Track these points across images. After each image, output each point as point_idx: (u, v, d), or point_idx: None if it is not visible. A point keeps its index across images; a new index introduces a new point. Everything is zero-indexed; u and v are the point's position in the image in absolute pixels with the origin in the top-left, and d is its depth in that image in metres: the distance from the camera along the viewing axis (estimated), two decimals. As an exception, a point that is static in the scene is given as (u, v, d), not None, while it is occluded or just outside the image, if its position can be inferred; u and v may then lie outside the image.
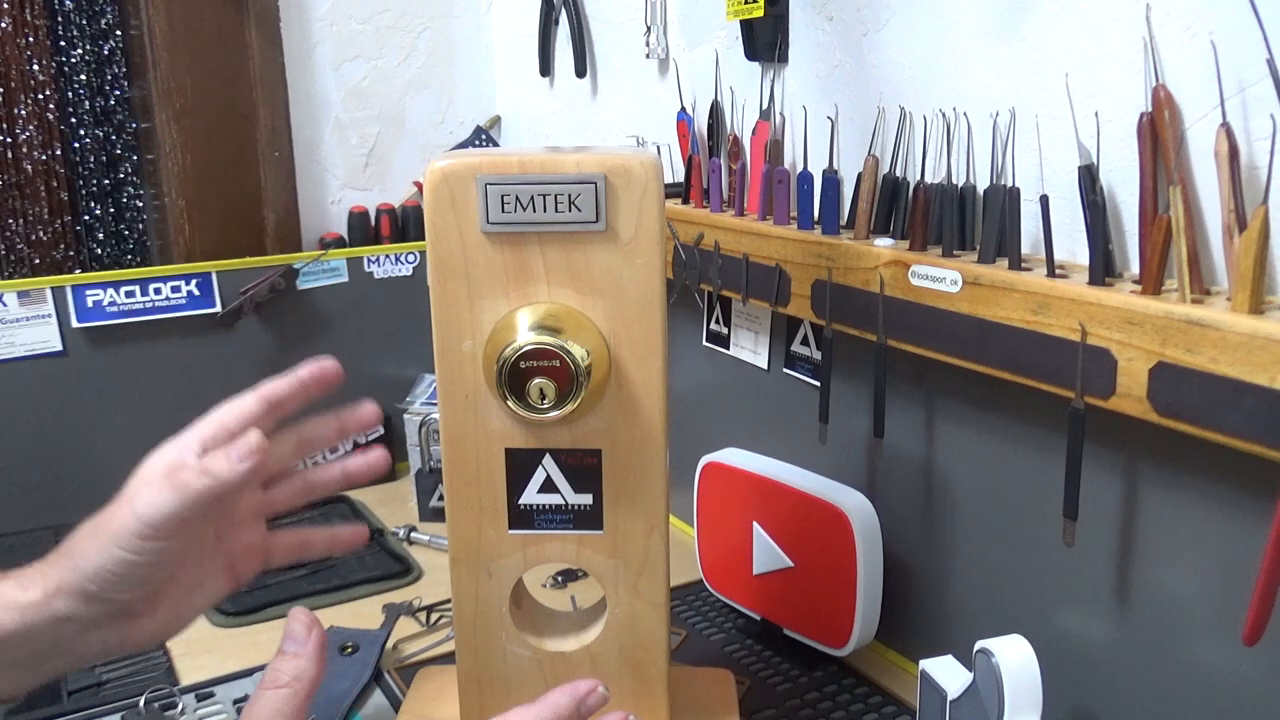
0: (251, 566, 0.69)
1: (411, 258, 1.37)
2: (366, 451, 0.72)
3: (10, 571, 0.60)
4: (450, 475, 0.72)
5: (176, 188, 1.31)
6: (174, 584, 0.63)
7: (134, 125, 1.35)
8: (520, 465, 0.72)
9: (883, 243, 0.82)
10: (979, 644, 0.69)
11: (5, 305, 1.15)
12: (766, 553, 0.94)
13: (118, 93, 1.34)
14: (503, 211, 0.67)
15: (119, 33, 1.32)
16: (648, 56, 1.14)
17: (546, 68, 1.35)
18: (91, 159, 1.34)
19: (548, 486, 0.72)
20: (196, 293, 1.25)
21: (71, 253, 1.34)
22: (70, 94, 1.31)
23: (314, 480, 0.72)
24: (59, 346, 1.18)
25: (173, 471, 0.59)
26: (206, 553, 0.66)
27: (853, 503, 0.87)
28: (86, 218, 1.35)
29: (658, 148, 1.13)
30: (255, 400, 0.66)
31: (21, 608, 0.57)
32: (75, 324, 1.19)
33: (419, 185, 1.42)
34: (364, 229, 1.41)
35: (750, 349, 1.07)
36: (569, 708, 0.55)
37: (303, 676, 0.53)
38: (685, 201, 1.05)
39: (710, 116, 1.05)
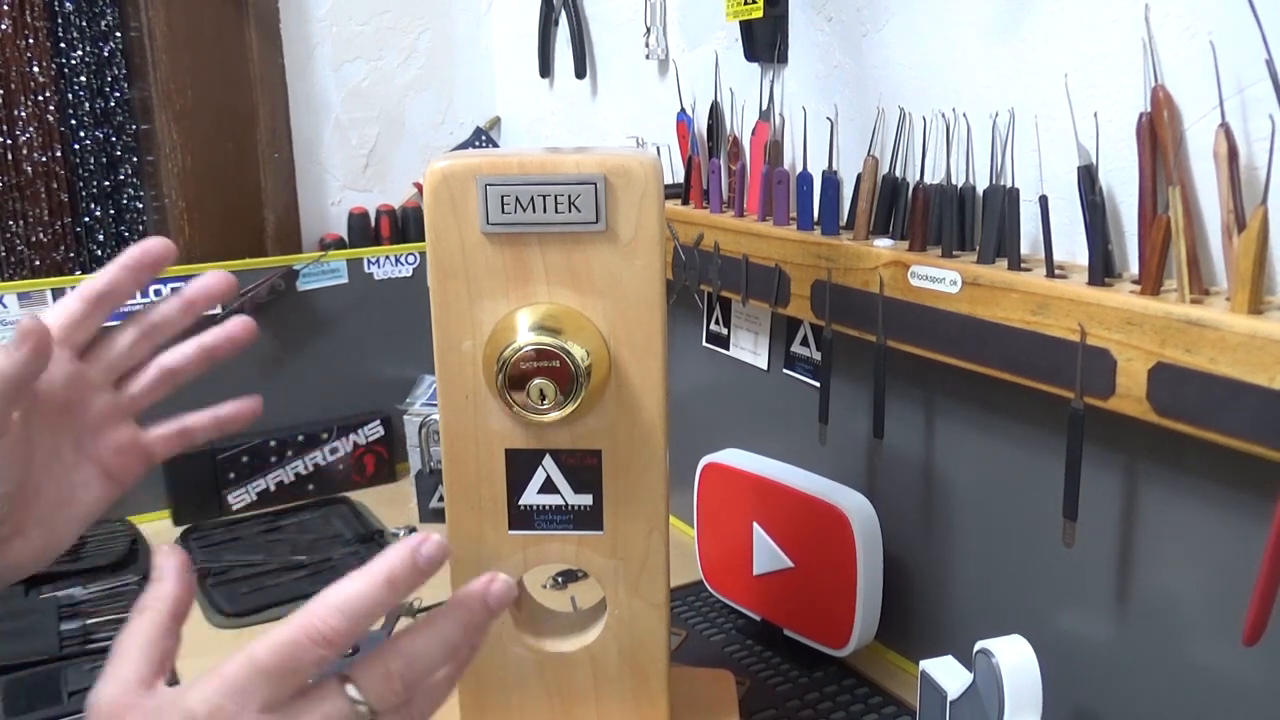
0: (131, 468, 0.67)
1: (411, 258, 1.38)
2: (225, 322, 0.67)
3: None
4: (450, 476, 0.72)
5: (177, 189, 1.31)
6: (37, 501, 0.62)
7: (134, 127, 1.35)
8: (520, 465, 0.72)
9: (882, 243, 0.82)
10: (979, 644, 0.69)
11: (5, 307, 1.15)
12: (766, 553, 0.94)
13: (118, 94, 1.34)
14: (502, 212, 0.67)
15: (119, 34, 1.32)
16: (647, 57, 1.15)
17: (546, 69, 1.36)
18: (92, 160, 1.34)
19: (548, 487, 0.72)
20: (196, 294, 1.24)
21: (72, 254, 1.34)
22: (70, 95, 1.31)
23: (169, 364, 0.68)
24: (59, 347, 1.18)
25: None
26: (67, 465, 0.65)
27: (853, 503, 0.87)
28: (87, 219, 1.35)
29: (657, 148, 1.13)
30: (74, 297, 0.63)
31: None
32: (75, 325, 1.19)
33: (419, 186, 1.42)
34: (364, 230, 1.41)
35: (750, 349, 1.07)
36: (477, 600, 0.54)
37: (163, 595, 0.53)
38: (685, 202, 1.05)
39: (710, 117, 1.05)
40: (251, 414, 0.70)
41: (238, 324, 0.68)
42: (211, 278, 0.67)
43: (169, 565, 0.55)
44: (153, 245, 0.65)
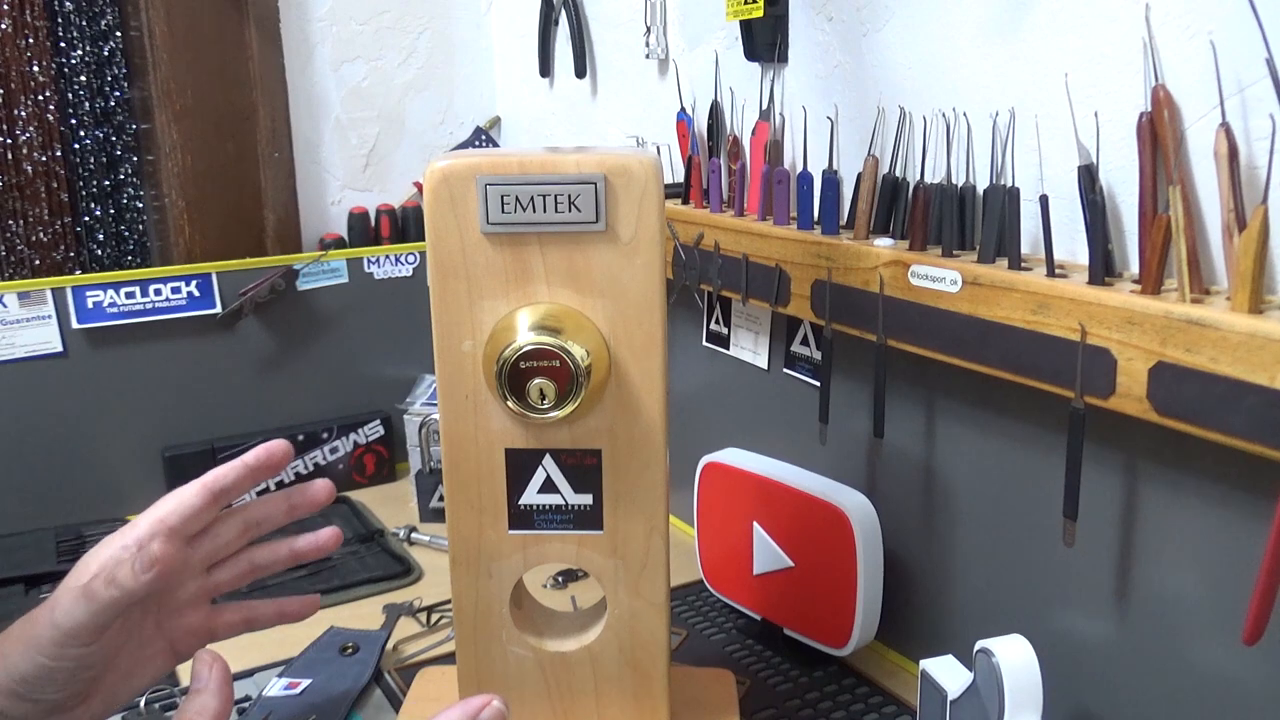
0: (194, 646, 0.69)
1: (411, 258, 1.38)
2: (317, 532, 0.72)
3: None
4: (450, 475, 0.72)
5: (177, 189, 1.31)
6: (108, 675, 0.64)
7: (134, 126, 1.35)
8: (520, 465, 0.72)
9: (882, 243, 0.82)
10: (979, 644, 0.69)
11: (5, 306, 1.15)
12: (766, 553, 0.94)
13: (118, 94, 1.34)
14: (503, 212, 0.67)
15: (119, 34, 1.32)
16: (647, 57, 1.15)
17: (546, 68, 1.36)
18: (92, 160, 1.34)
19: (548, 487, 0.72)
20: (197, 294, 1.25)
21: (72, 254, 1.34)
22: (70, 95, 1.31)
23: (260, 561, 0.72)
24: (59, 347, 1.18)
25: (93, 578, 0.60)
26: (144, 641, 0.66)
27: (853, 503, 0.87)
28: (87, 219, 1.35)
29: (657, 148, 1.13)
30: (197, 491, 0.67)
31: None
32: (75, 325, 1.19)
33: (419, 186, 1.42)
34: (364, 230, 1.42)
35: (750, 349, 1.07)
36: None
37: (205, 709, 0.56)
38: (685, 202, 1.05)
39: (710, 117, 1.05)
40: (312, 610, 0.74)
41: (329, 534, 0.73)
42: (317, 490, 0.72)
43: (210, 677, 0.57)
44: (276, 448, 0.70)
